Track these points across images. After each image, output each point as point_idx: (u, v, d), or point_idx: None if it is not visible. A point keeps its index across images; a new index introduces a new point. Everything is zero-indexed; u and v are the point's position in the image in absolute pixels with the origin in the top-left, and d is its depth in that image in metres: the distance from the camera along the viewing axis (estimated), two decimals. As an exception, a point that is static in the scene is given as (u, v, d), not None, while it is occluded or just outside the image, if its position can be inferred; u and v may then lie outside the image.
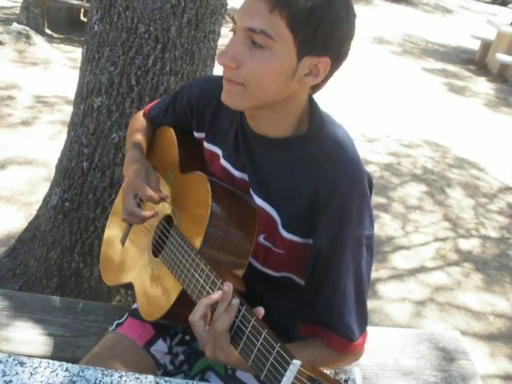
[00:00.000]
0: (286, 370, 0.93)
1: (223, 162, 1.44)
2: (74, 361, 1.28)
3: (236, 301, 1.10)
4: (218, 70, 2.46)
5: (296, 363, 0.91)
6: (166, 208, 1.50)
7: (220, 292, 1.14)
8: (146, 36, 2.19)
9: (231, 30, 1.19)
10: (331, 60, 1.18)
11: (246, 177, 1.39)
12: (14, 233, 3.26)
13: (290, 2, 1.09)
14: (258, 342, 1.02)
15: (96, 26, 2.26)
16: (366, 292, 1.34)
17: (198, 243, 1.30)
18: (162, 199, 1.40)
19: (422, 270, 3.84)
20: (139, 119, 1.74)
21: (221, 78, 1.47)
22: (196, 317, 1.14)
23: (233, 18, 1.18)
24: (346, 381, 0.89)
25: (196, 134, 1.55)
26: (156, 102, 1.75)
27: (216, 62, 2.52)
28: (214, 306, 1.14)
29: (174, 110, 1.63)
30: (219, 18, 2.35)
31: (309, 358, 1.29)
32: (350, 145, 1.32)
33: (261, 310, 1.10)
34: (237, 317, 1.10)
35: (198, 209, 1.35)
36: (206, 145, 1.51)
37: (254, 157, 1.35)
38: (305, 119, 1.31)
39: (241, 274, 1.33)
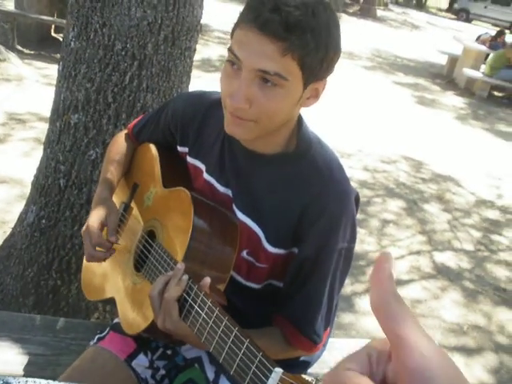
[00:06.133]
0: (268, 378, 0.95)
1: (207, 176, 1.46)
2: (56, 379, 1.27)
3: (186, 276, 1.22)
4: (192, 87, 2.49)
5: (278, 371, 0.93)
6: (148, 223, 1.52)
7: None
8: (123, 53, 2.20)
9: (229, 61, 1.21)
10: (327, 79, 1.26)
11: (229, 192, 1.41)
12: (-13, 251, 3.21)
13: (301, 45, 1.12)
14: (209, 318, 1.12)
15: (72, 43, 2.26)
16: (336, 298, 1.41)
17: (179, 257, 1.32)
18: (112, 243, 1.48)
19: (398, 283, 3.87)
20: (118, 143, 1.74)
21: (206, 93, 1.51)
22: (154, 291, 1.25)
23: (230, 49, 1.19)
24: None
25: (179, 149, 1.56)
26: (139, 118, 1.75)
27: (191, 79, 2.54)
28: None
29: (158, 125, 1.64)
30: (195, 34, 2.37)
31: (262, 346, 1.37)
32: (338, 164, 1.37)
33: (207, 280, 1.20)
34: (188, 293, 1.21)
35: (180, 223, 1.37)
36: (190, 159, 1.53)
37: (240, 172, 1.38)
38: (293, 136, 1.35)
39: (222, 288, 1.35)
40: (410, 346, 0.43)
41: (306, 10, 1.12)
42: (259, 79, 1.17)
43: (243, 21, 1.16)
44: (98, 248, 1.49)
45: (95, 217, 1.51)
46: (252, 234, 1.36)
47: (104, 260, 1.52)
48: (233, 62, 1.19)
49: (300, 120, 1.37)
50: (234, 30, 1.21)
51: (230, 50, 1.20)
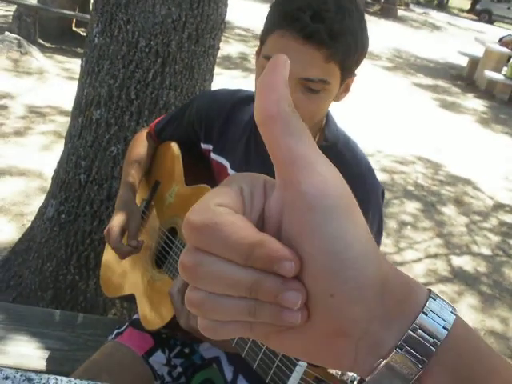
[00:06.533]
0: (292, 372, 0.95)
1: (232, 172, 1.48)
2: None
3: None
4: (213, 84, 2.49)
5: (302, 364, 0.93)
6: (170, 220, 1.52)
7: None
8: (147, 50, 2.20)
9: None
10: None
11: None
12: (6, 243, 3.23)
13: (344, 50, 1.16)
14: None
15: (96, 39, 2.26)
16: None
17: None
18: (133, 248, 1.49)
19: (415, 285, 3.85)
20: (139, 142, 1.75)
21: (231, 91, 1.52)
22: (174, 289, 1.25)
23: (267, 58, 1.19)
24: (352, 381, 0.89)
25: (203, 146, 1.57)
26: (161, 117, 1.76)
27: (216, 77, 2.53)
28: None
29: (181, 122, 1.65)
30: (219, 33, 2.37)
31: None
32: (365, 158, 1.40)
33: None
34: None
35: None
36: (214, 156, 1.54)
37: (268, 167, 1.37)
38: (321, 131, 1.38)
39: None
40: (309, 166, 0.36)
41: (343, 12, 1.14)
42: (301, 86, 1.18)
43: (281, 27, 1.16)
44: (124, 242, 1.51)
45: (117, 220, 1.52)
46: None
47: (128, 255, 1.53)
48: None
49: (327, 115, 1.40)
50: (267, 35, 1.21)
51: (267, 58, 1.20)
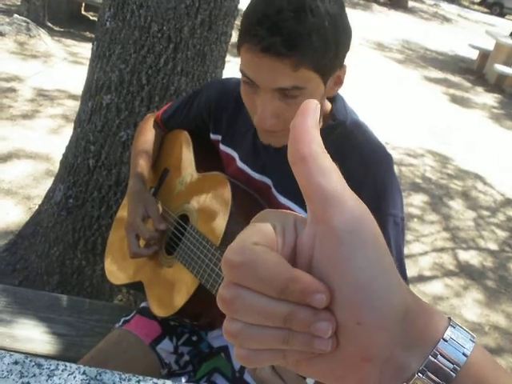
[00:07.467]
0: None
1: (240, 164, 1.46)
2: (79, 361, 1.26)
3: None
4: (227, 73, 2.46)
5: None
6: (180, 207, 1.51)
7: None
8: (159, 35, 2.18)
9: (244, 81, 1.20)
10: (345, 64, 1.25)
11: (264, 179, 1.41)
12: (12, 226, 3.23)
13: (311, 53, 1.10)
14: None
15: (108, 23, 2.24)
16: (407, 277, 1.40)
17: (217, 240, 1.32)
18: (162, 230, 1.48)
19: (421, 279, 3.84)
20: (146, 130, 1.73)
21: (239, 81, 1.51)
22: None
23: (242, 72, 1.19)
24: None
25: (212, 136, 1.56)
26: (168, 105, 1.74)
27: (226, 64, 2.51)
28: None
29: (189, 112, 1.63)
30: (232, 19, 2.34)
31: None
32: (370, 129, 1.39)
33: None
34: None
35: (217, 207, 1.37)
36: (222, 147, 1.52)
37: (278, 156, 1.36)
38: (328, 114, 1.35)
39: None
40: (339, 203, 0.39)
41: (304, 13, 1.08)
42: (279, 94, 1.16)
43: (246, 41, 1.14)
44: (141, 245, 1.50)
45: (134, 213, 1.51)
46: None
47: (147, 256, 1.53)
48: (249, 83, 1.19)
49: (335, 97, 1.37)
50: (239, 46, 1.19)
51: (242, 71, 1.19)
